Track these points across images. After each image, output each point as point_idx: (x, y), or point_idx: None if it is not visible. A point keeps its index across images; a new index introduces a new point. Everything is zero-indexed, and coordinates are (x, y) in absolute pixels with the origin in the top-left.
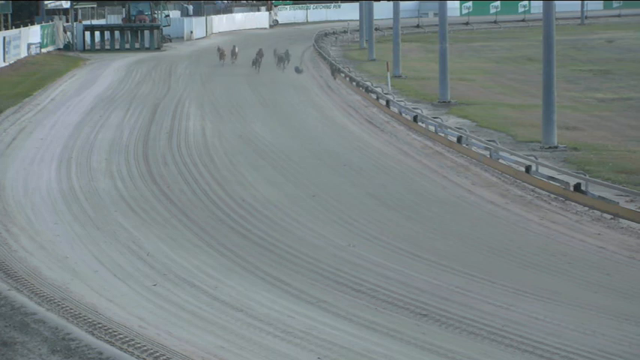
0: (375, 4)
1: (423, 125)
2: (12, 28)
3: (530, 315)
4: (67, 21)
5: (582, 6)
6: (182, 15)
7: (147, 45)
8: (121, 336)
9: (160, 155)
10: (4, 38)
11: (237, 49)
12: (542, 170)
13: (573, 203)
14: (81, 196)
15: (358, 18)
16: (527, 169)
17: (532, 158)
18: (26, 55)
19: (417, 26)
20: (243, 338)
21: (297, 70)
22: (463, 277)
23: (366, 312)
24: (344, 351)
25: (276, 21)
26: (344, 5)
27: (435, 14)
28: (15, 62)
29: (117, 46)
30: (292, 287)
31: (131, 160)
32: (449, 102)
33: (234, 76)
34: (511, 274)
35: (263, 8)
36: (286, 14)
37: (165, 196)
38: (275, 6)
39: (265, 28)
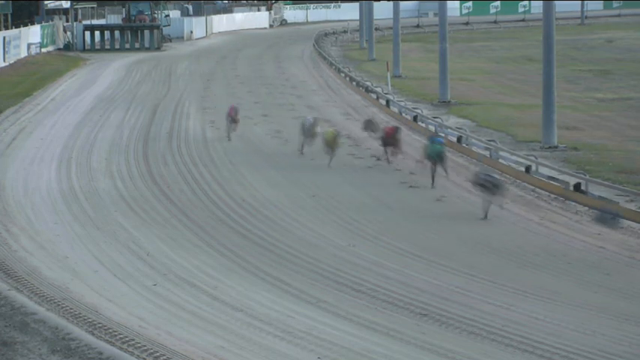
0: (375, 4)
1: (423, 125)
2: (12, 28)
3: (530, 315)
4: (67, 21)
5: (582, 6)
6: (182, 15)
7: (147, 45)
8: (121, 336)
9: (160, 155)
10: (4, 38)
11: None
12: (542, 170)
13: (573, 203)
14: (81, 196)
15: (358, 18)
16: (527, 169)
17: (532, 158)
18: (26, 55)
19: (417, 26)
20: (243, 338)
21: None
22: (463, 277)
23: (366, 312)
24: (344, 351)
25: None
26: (344, 5)
27: (435, 14)
28: (15, 62)
29: (117, 46)
30: (292, 287)
31: (131, 160)
32: (449, 102)
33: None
34: (511, 274)
35: (263, 8)
36: (286, 14)
37: (166, 196)
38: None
39: (265, 28)
